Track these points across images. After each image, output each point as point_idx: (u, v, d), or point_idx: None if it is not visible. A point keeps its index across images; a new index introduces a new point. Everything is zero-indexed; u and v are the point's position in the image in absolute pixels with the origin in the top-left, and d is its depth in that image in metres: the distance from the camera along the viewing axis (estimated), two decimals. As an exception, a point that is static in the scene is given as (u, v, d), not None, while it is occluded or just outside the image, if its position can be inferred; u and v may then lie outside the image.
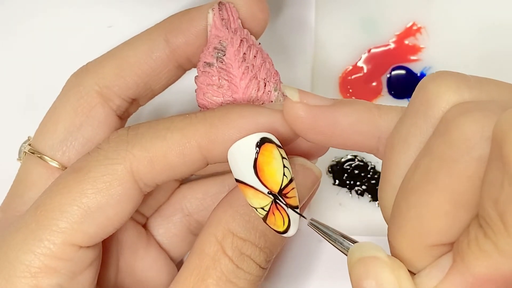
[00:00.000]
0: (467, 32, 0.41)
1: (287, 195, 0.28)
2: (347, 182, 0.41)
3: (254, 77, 0.31)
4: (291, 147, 0.31)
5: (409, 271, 0.25)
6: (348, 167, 0.41)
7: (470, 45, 0.41)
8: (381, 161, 0.40)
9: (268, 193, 0.28)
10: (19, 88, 0.43)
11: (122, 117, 0.34)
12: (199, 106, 0.32)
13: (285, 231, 0.29)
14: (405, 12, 0.42)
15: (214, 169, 0.38)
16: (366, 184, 0.41)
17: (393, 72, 0.42)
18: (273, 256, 0.31)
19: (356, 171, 0.41)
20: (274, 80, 0.32)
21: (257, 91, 0.31)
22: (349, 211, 0.41)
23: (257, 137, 0.28)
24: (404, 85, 0.41)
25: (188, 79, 0.33)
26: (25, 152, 0.33)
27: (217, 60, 0.31)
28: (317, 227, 0.28)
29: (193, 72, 0.33)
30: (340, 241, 0.28)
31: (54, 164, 0.33)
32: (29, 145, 0.33)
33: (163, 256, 0.37)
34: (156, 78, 0.33)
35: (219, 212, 0.31)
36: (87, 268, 0.30)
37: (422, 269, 0.25)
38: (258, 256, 0.30)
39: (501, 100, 0.24)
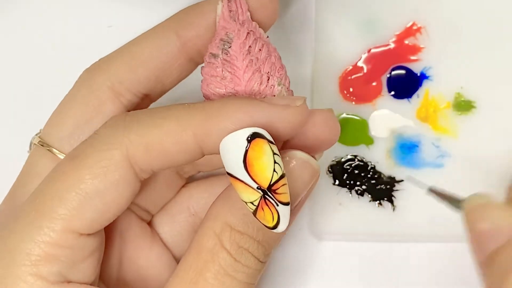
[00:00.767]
0: (467, 32, 0.41)
1: (277, 191, 0.28)
2: (347, 182, 0.41)
3: (257, 70, 0.31)
4: (294, 143, 0.31)
5: None
6: (348, 167, 0.41)
7: (470, 45, 0.41)
8: (381, 161, 0.40)
9: (257, 188, 0.28)
10: (19, 88, 0.43)
11: None
12: (203, 96, 0.32)
13: (275, 227, 0.29)
14: (405, 12, 0.42)
15: (219, 165, 0.38)
16: (366, 184, 0.41)
17: (393, 72, 0.42)
18: (271, 249, 0.31)
19: (356, 171, 0.41)
20: (279, 75, 0.32)
21: (260, 85, 0.31)
22: (349, 211, 0.41)
23: (248, 131, 0.28)
24: (404, 85, 0.41)
25: (200, 74, 0.33)
26: (35, 144, 0.33)
27: (222, 52, 0.31)
28: (436, 193, 0.31)
29: (205, 68, 0.33)
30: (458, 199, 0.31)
31: (62, 156, 0.33)
32: (39, 137, 0.34)
33: (167, 254, 0.37)
34: (168, 72, 0.34)
35: (217, 206, 0.31)
36: (88, 257, 0.30)
37: None
38: (257, 250, 0.30)
39: None
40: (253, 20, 0.32)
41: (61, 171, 0.30)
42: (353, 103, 0.41)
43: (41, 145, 0.33)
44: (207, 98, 0.32)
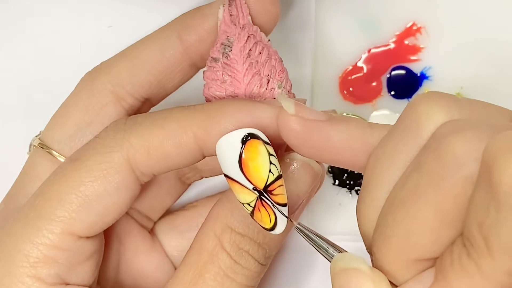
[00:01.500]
0: (467, 32, 0.41)
1: (273, 192, 0.28)
2: (347, 182, 0.41)
3: (257, 73, 0.31)
4: None
5: (391, 283, 0.25)
6: (348, 167, 0.41)
7: (470, 45, 0.41)
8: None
9: (253, 189, 0.28)
10: (19, 88, 0.43)
11: None
12: (205, 100, 0.32)
13: (272, 228, 0.28)
14: (405, 12, 0.42)
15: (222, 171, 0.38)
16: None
17: (393, 72, 0.42)
18: (272, 252, 0.31)
19: (356, 171, 0.41)
20: (279, 77, 0.32)
21: (259, 88, 0.31)
22: (349, 211, 0.41)
23: (243, 132, 0.28)
24: (404, 85, 0.41)
25: (201, 78, 0.33)
26: (34, 145, 0.33)
27: (223, 56, 0.31)
28: (303, 232, 0.28)
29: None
30: (325, 248, 0.28)
31: (61, 159, 0.33)
32: (39, 139, 0.34)
33: (167, 264, 0.37)
34: (170, 76, 0.34)
35: (218, 207, 0.31)
36: (87, 260, 0.30)
37: (404, 282, 0.25)
38: (257, 252, 0.30)
39: (491, 121, 0.24)
40: (254, 24, 0.32)
41: (61, 173, 0.30)
42: (353, 103, 0.41)
43: (41, 147, 0.33)
44: (208, 101, 0.32)
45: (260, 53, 0.31)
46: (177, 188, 0.38)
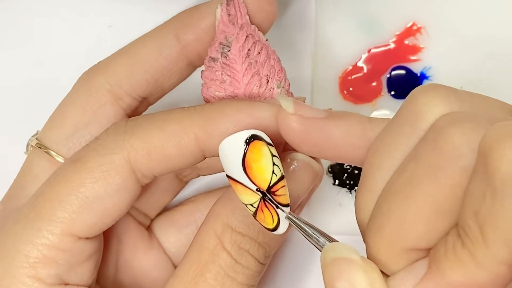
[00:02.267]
0: (467, 32, 0.41)
1: (276, 193, 0.28)
2: (347, 182, 0.41)
3: (256, 73, 0.31)
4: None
5: (382, 273, 0.25)
6: (348, 167, 0.41)
7: (470, 45, 0.41)
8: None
9: (256, 190, 0.28)
10: (19, 87, 0.43)
11: (132, 116, 0.34)
12: (204, 100, 0.32)
13: (275, 229, 0.29)
14: (405, 12, 0.42)
15: (219, 169, 0.38)
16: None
17: (393, 72, 0.42)
18: (272, 251, 0.31)
19: (356, 171, 0.41)
20: (278, 77, 0.32)
21: (259, 88, 0.31)
22: (349, 211, 0.41)
23: (246, 133, 0.28)
24: (404, 85, 0.41)
25: (197, 77, 0.33)
26: (32, 145, 0.33)
27: (221, 56, 0.31)
28: (294, 221, 0.28)
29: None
30: (316, 237, 0.28)
31: (59, 159, 0.33)
32: (36, 139, 0.34)
33: (165, 261, 0.37)
34: (167, 75, 0.34)
35: (218, 207, 0.31)
36: (86, 260, 0.30)
37: (396, 272, 0.25)
38: (257, 251, 0.30)
39: (490, 115, 0.24)
40: (252, 23, 0.32)
41: (61, 175, 0.30)
42: (353, 103, 0.41)
43: (39, 147, 0.33)
44: (207, 101, 0.32)
45: (259, 53, 0.31)
46: (174, 186, 0.38)
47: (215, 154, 0.30)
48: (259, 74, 0.31)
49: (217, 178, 0.41)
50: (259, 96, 0.31)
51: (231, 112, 0.29)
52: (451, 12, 0.41)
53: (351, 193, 0.41)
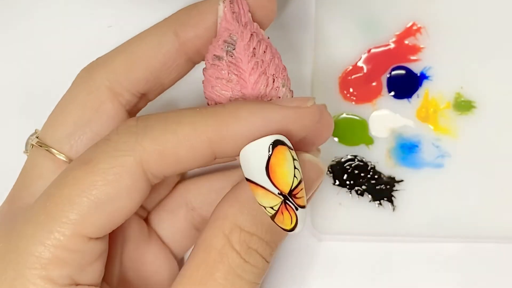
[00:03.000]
0: (467, 32, 0.41)
1: (297, 195, 0.29)
2: (347, 182, 0.41)
3: (263, 72, 0.31)
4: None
5: None
6: (348, 167, 0.41)
7: (470, 45, 0.41)
8: (381, 161, 0.40)
9: (278, 193, 0.28)
10: (19, 87, 0.43)
11: (131, 112, 0.34)
12: (206, 98, 0.32)
13: (292, 229, 0.29)
14: (405, 12, 0.42)
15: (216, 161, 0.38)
16: (366, 184, 0.41)
17: (393, 72, 0.42)
18: (276, 250, 0.31)
19: (356, 171, 0.41)
20: (282, 76, 0.32)
21: (266, 87, 0.31)
22: (349, 211, 0.41)
23: (270, 139, 0.28)
24: (404, 85, 0.41)
25: (197, 73, 0.33)
26: (33, 144, 0.33)
27: (226, 54, 0.31)
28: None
29: (201, 66, 0.33)
30: None
31: (62, 157, 0.33)
32: (37, 137, 0.33)
33: (165, 251, 0.37)
34: (166, 72, 0.33)
35: (225, 206, 0.31)
36: (96, 260, 0.30)
37: None
38: (264, 250, 0.30)
39: None
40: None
41: (71, 176, 0.30)
42: (353, 103, 0.41)
43: (40, 145, 0.33)
44: (211, 100, 0.32)
45: (264, 51, 0.31)
46: (171, 179, 0.38)
47: (227, 155, 0.30)
48: (266, 73, 0.31)
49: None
50: (266, 95, 0.31)
51: (244, 115, 0.29)
52: (451, 12, 0.41)
53: (351, 193, 0.41)
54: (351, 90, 0.41)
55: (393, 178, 0.41)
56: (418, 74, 0.41)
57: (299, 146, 0.31)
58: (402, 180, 0.40)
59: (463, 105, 0.41)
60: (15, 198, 0.33)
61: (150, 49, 0.33)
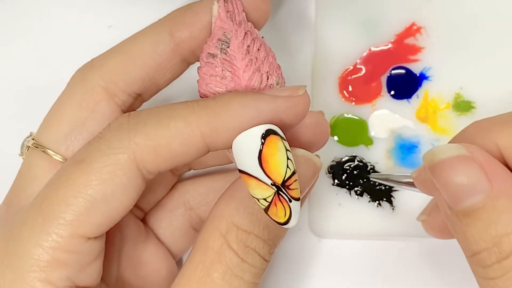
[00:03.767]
0: (467, 32, 0.41)
1: (290, 186, 0.28)
2: (347, 182, 0.41)
3: (257, 69, 0.31)
4: (291, 141, 0.31)
5: None
6: (347, 167, 0.41)
7: (469, 46, 0.41)
8: (380, 161, 0.40)
9: (271, 184, 0.28)
10: (19, 87, 0.43)
11: (127, 112, 0.34)
12: (200, 96, 0.32)
13: (286, 222, 0.29)
14: (405, 12, 0.42)
15: (212, 163, 0.39)
16: (365, 184, 0.41)
17: (393, 72, 0.42)
18: (275, 248, 0.31)
19: (356, 172, 0.41)
20: (277, 74, 0.32)
21: (260, 84, 0.31)
22: (348, 211, 0.41)
23: (262, 128, 0.28)
24: (404, 85, 0.41)
25: (191, 73, 0.33)
26: (28, 146, 0.33)
27: (221, 52, 0.31)
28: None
29: (196, 66, 0.33)
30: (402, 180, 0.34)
31: (58, 158, 0.33)
32: (33, 139, 0.33)
33: (162, 251, 0.37)
34: (161, 72, 0.34)
35: (221, 206, 0.31)
36: (95, 260, 0.30)
37: None
38: (262, 249, 0.30)
39: None
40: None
41: (66, 176, 0.30)
42: (353, 103, 0.41)
43: (36, 147, 0.33)
44: (205, 97, 0.32)
45: (258, 49, 0.31)
46: (168, 179, 0.38)
47: (220, 148, 0.30)
48: (260, 70, 0.31)
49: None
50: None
51: (236, 107, 0.29)
52: (451, 12, 0.41)
53: (350, 193, 0.41)
54: (350, 90, 0.41)
55: (393, 179, 0.41)
56: (418, 75, 0.41)
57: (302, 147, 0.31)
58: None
59: (463, 106, 0.41)
60: (12, 201, 0.33)
61: (145, 50, 0.33)
